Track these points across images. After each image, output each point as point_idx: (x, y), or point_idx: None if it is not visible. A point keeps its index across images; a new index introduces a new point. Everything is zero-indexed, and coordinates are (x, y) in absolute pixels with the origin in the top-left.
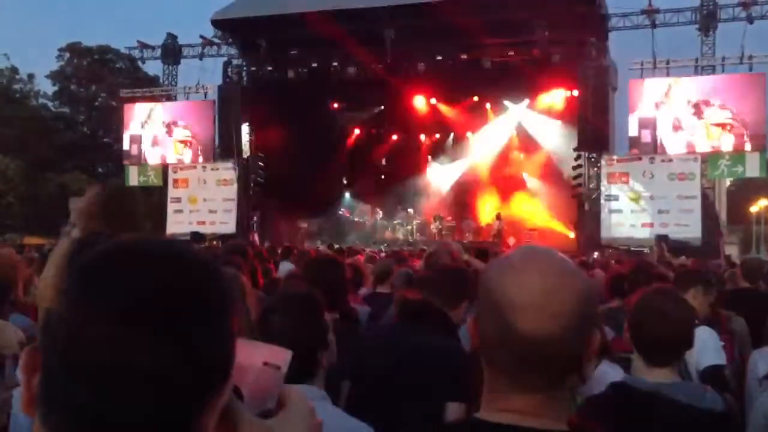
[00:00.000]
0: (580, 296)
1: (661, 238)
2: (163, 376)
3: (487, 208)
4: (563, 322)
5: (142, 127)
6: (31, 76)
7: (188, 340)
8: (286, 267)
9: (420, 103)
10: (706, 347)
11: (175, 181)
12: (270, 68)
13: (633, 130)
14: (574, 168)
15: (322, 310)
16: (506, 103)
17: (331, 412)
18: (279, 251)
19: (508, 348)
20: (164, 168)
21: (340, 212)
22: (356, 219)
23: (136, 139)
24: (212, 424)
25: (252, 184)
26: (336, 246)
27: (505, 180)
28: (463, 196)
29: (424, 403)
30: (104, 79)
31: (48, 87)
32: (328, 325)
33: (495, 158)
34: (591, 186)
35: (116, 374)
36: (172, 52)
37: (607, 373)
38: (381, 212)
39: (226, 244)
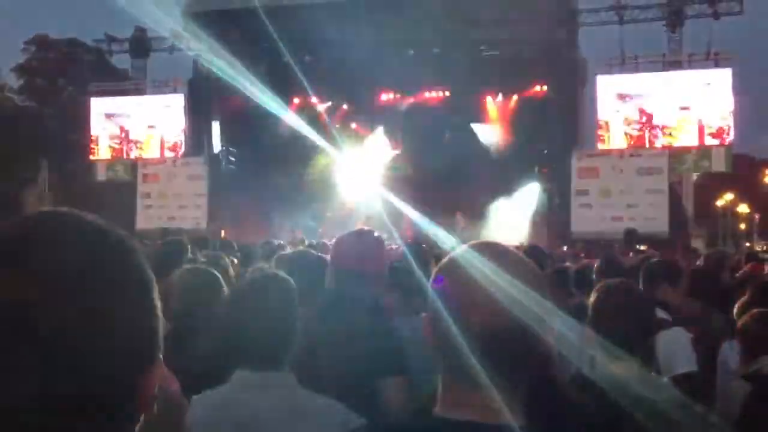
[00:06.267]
0: (532, 288)
1: (630, 232)
2: None
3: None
4: (517, 315)
5: (111, 121)
6: None
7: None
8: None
9: (391, 98)
10: (676, 352)
11: (145, 176)
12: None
13: (602, 126)
14: (545, 163)
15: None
16: (475, 97)
17: (301, 393)
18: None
19: (464, 344)
20: (133, 163)
21: (312, 207)
22: (328, 214)
23: (104, 134)
24: None
25: (223, 180)
26: (308, 241)
27: (468, 176)
28: (430, 192)
29: None
30: (71, 73)
31: (13, 81)
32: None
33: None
34: (561, 180)
35: None
36: (141, 45)
37: None
38: (352, 207)
39: (166, 242)
